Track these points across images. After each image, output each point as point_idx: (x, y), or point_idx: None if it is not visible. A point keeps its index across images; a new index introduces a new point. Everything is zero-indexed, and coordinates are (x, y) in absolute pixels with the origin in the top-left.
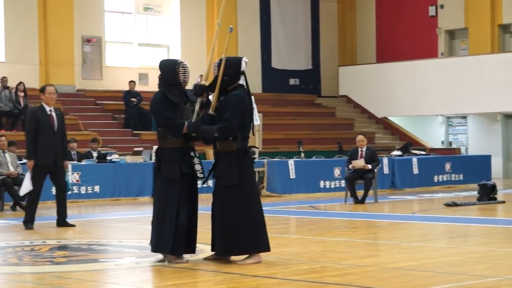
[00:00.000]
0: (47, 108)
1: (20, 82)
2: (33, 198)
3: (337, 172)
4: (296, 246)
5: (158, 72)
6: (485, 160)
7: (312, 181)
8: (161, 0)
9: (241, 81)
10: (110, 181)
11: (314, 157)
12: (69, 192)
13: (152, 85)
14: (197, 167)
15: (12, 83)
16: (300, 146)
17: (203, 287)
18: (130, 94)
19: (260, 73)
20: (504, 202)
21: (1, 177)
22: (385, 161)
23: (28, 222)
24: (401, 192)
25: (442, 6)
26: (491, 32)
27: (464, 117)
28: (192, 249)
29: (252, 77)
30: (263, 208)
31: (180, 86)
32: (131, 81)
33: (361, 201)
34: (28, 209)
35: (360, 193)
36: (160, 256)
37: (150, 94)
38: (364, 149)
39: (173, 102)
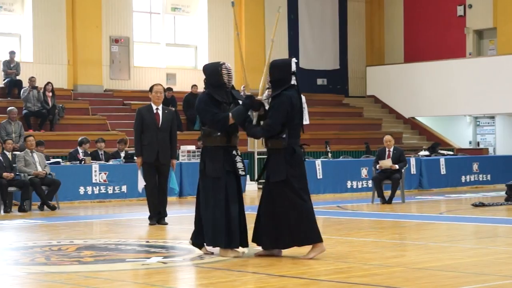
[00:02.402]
0: (154, 107)
1: (48, 82)
2: (148, 194)
3: (364, 172)
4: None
5: (187, 72)
6: None
7: (339, 181)
8: (189, 0)
9: (293, 81)
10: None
11: (341, 157)
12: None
13: (180, 85)
14: (239, 165)
15: (40, 83)
16: (327, 146)
17: (230, 287)
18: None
19: None
20: None
21: (29, 176)
22: (413, 161)
23: (150, 218)
24: (429, 192)
25: (470, 6)
26: None
27: (492, 117)
28: (245, 243)
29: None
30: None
31: (224, 87)
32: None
33: (388, 201)
34: (148, 205)
35: (387, 193)
36: (189, 255)
37: (180, 94)
38: (391, 149)
39: (219, 101)
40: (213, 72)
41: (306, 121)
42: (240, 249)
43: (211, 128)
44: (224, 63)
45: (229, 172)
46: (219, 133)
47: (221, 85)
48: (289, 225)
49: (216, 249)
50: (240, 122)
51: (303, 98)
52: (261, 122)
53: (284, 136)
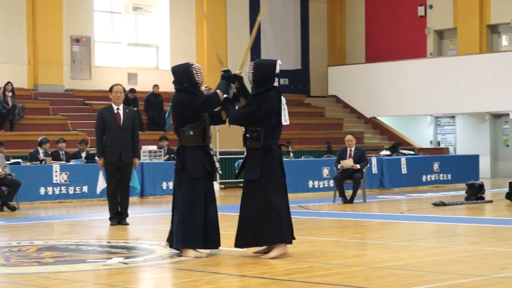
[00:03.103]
0: (114, 107)
1: (8, 82)
2: (109, 194)
3: (325, 172)
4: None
5: (148, 72)
6: (473, 160)
7: (301, 181)
8: (151, 0)
9: (275, 83)
10: None
11: (303, 157)
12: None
13: (141, 85)
14: (217, 164)
15: (0, 83)
16: (289, 146)
17: (192, 287)
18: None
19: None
20: (491, 201)
21: None
22: (374, 161)
23: (111, 218)
24: (390, 191)
25: (431, 7)
26: (480, 32)
27: (453, 117)
28: (216, 244)
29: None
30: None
31: (197, 86)
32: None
33: (350, 201)
34: (109, 205)
35: (348, 192)
36: (151, 255)
37: (141, 94)
38: (353, 149)
39: (197, 94)
40: (184, 72)
41: (286, 121)
42: (203, 251)
43: (204, 111)
44: (193, 63)
45: (208, 172)
46: (191, 132)
47: (194, 84)
48: (253, 224)
49: (206, 251)
50: (227, 93)
51: (283, 100)
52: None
53: (256, 136)
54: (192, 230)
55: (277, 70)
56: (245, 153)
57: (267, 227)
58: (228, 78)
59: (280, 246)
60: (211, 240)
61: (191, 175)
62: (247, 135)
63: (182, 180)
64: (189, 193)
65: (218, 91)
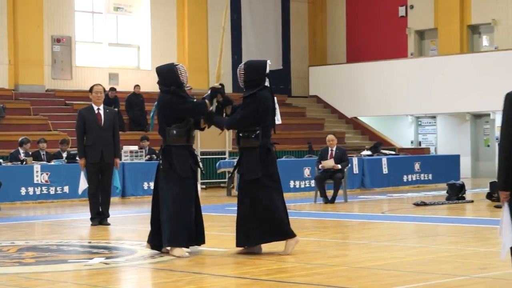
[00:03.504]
0: (95, 107)
1: None
2: (91, 194)
3: (307, 172)
4: (265, 246)
5: (129, 72)
6: (454, 160)
7: (282, 181)
8: (132, 0)
9: (266, 83)
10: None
11: (284, 157)
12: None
13: (122, 85)
14: (200, 164)
15: None
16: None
17: (173, 287)
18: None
19: (230, 73)
20: (472, 201)
21: None
22: (355, 161)
23: (93, 219)
24: (371, 191)
25: (412, 7)
26: (460, 33)
27: (433, 117)
28: (200, 242)
29: (223, 77)
30: (231, 208)
31: (183, 86)
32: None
33: (331, 201)
34: (90, 206)
35: (329, 192)
36: (132, 255)
37: (122, 94)
38: (334, 149)
39: (185, 97)
40: (169, 73)
41: (278, 121)
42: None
43: (190, 116)
44: (177, 64)
45: (194, 172)
46: (175, 132)
47: (179, 85)
48: (258, 223)
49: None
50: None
51: (275, 99)
52: (224, 114)
53: (254, 136)
54: (180, 228)
55: (267, 70)
56: (241, 153)
57: (273, 224)
58: (213, 93)
59: (290, 241)
60: (197, 237)
61: (180, 175)
62: (242, 135)
63: (170, 179)
64: (177, 192)
65: (206, 101)
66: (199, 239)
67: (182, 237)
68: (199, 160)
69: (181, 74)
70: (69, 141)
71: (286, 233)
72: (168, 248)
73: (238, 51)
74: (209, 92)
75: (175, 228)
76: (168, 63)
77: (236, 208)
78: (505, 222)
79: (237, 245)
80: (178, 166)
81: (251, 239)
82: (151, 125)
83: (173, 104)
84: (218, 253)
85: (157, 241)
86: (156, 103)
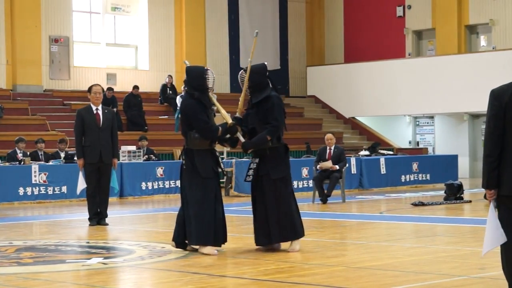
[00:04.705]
0: (93, 107)
1: None
2: (89, 195)
3: (305, 172)
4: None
5: (127, 72)
6: (452, 160)
7: None
8: (129, 0)
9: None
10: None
11: None
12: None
13: (120, 85)
14: (222, 165)
15: None
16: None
17: (171, 287)
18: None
19: (228, 73)
20: (470, 201)
21: None
22: (353, 161)
23: (91, 219)
24: (369, 192)
25: (409, 7)
26: (458, 33)
27: (431, 117)
28: (221, 243)
29: (221, 77)
30: (229, 208)
31: (207, 91)
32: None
33: (326, 196)
34: (88, 206)
35: None
36: (130, 255)
37: (120, 94)
38: (332, 148)
39: (206, 106)
40: (198, 75)
41: None
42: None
43: (199, 134)
44: (208, 68)
45: (216, 173)
46: (196, 135)
47: (205, 90)
48: (280, 221)
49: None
50: (224, 138)
51: None
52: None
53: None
54: (205, 227)
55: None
56: (261, 153)
57: (292, 223)
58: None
59: (298, 240)
60: (220, 238)
61: (202, 175)
62: None
63: (193, 180)
64: (200, 193)
65: (220, 129)
66: (222, 240)
67: (208, 236)
68: (221, 161)
69: (208, 79)
70: (67, 140)
71: (301, 233)
72: (196, 246)
73: (236, 51)
74: (230, 121)
75: (200, 227)
76: (199, 66)
77: (237, 208)
78: (490, 221)
79: (257, 244)
80: (200, 167)
81: (272, 238)
82: (175, 126)
83: (189, 115)
84: (217, 253)
85: (182, 239)
86: (179, 106)
